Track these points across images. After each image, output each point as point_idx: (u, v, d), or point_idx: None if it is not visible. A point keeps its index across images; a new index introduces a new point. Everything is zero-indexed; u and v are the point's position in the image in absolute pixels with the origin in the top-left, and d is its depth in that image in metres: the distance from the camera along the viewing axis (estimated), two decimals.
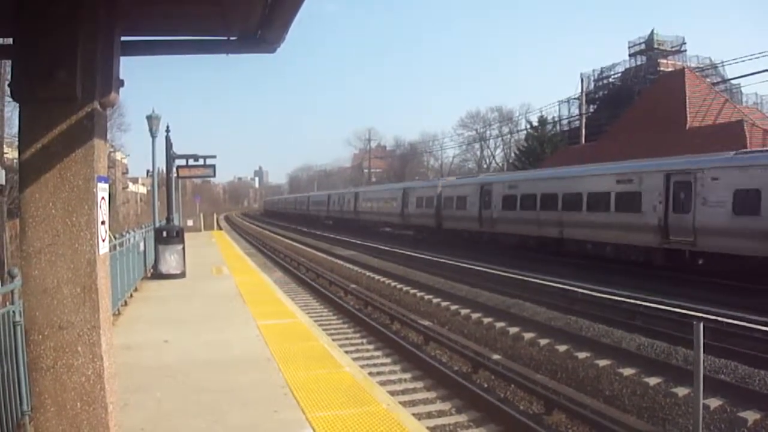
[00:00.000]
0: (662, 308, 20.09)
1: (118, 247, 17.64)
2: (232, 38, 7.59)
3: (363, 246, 49.92)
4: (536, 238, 38.57)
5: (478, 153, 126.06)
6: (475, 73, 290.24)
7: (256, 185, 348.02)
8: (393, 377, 14.42)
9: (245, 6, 6.56)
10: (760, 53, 61.13)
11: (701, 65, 69.02)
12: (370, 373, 13.61)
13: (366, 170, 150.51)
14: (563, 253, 35.79)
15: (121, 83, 6.49)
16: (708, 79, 61.20)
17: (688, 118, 50.85)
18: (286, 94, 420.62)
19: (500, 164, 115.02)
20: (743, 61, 58.11)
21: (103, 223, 6.02)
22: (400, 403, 10.06)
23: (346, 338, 18.55)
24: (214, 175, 29.33)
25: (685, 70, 57.95)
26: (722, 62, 68.78)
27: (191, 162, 27.50)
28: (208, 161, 27.45)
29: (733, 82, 65.53)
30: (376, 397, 9.13)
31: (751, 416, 11.60)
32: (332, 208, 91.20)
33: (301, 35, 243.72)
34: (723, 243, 25.17)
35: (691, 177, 27.07)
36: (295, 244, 56.68)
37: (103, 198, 6.02)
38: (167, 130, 26.65)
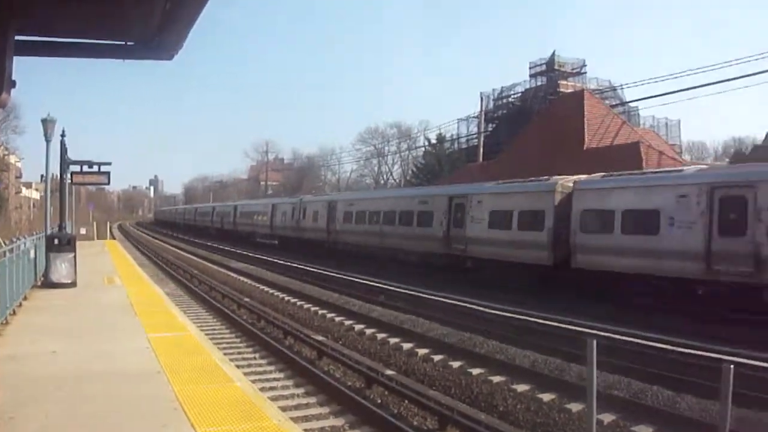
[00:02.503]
0: (556, 325, 20.38)
1: (7, 254, 17.16)
2: (129, 43, 7.44)
3: (257, 259, 49.91)
4: (364, 246, 47.00)
5: (376, 168, 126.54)
6: (376, 89, 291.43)
7: (152, 194, 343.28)
8: (285, 392, 14.24)
9: (144, 10, 6.40)
10: (657, 78, 62.66)
11: (600, 87, 70.51)
12: (263, 388, 13.45)
13: (263, 183, 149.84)
14: (383, 259, 43.15)
15: (13, 84, 6.25)
16: (607, 101, 62.52)
17: (586, 139, 51.78)
18: (183, 102, 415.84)
19: (398, 180, 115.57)
20: (641, 84, 59.68)
21: None
22: (292, 418, 9.94)
23: (239, 352, 18.29)
24: (109, 183, 28.80)
25: (584, 91, 59.09)
26: (621, 85, 70.57)
27: (86, 168, 26.95)
28: (103, 168, 26.94)
29: (631, 104, 67.10)
30: (266, 412, 9.00)
31: (643, 430, 11.91)
32: (215, 220, 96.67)
33: (201, 43, 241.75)
34: (482, 249, 33.42)
35: (465, 200, 35.35)
36: (188, 255, 56.24)
37: None
38: (62, 135, 26.10)
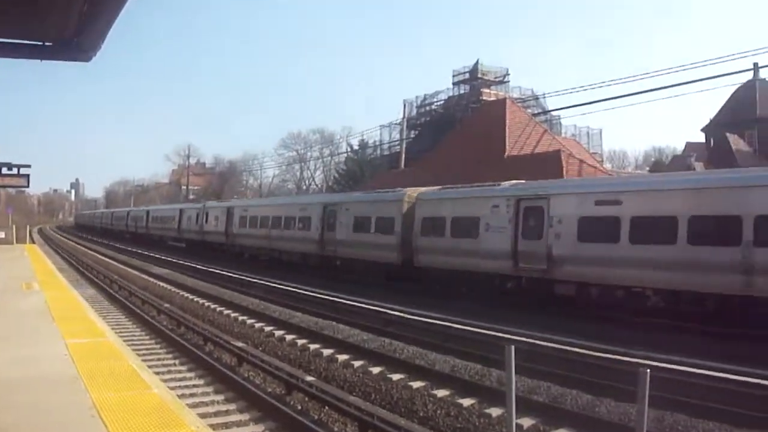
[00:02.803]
0: (476, 331, 20.54)
1: None
2: (47, 44, 7.34)
3: (178, 264, 49.78)
4: (257, 248, 52.60)
5: (298, 174, 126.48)
6: (300, 94, 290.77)
7: (73, 198, 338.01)
8: (205, 399, 14.12)
9: (61, 11, 6.32)
10: (579, 87, 63.38)
11: (523, 96, 71.34)
12: (182, 395, 13.35)
13: (184, 187, 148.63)
14: (272, 260, 49.27)
15: None
16: (529, 110, 63.27)
17: (507, 147, 52.40)
18: (105, 105, 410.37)
19: (320, 186, 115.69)
20: (564, 94, 60.49)
21: None
22: (211, 425, 9.88)
23: (158, 359, 18.08)
24: (28, 185, 28.33)
25: (507, 100, 59.87)
26: (544, 94, 71.37)
27: (4, 171, 26.46)
28: (23, 170, 26.47)
29: (553, 113, 68.05)
30: (185, 419, 8.90)
31: None
32: (130, 224, 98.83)
33: (121, 45, 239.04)
34: (349, 250, 38.67)
35: (336, 208, 40.73)
36: (108, 260, 55.53)
37: None
38: None
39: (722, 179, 22.73)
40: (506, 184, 30.27)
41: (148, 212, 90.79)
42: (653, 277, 22.33)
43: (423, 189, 34.92)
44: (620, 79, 56.55)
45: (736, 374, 14.95)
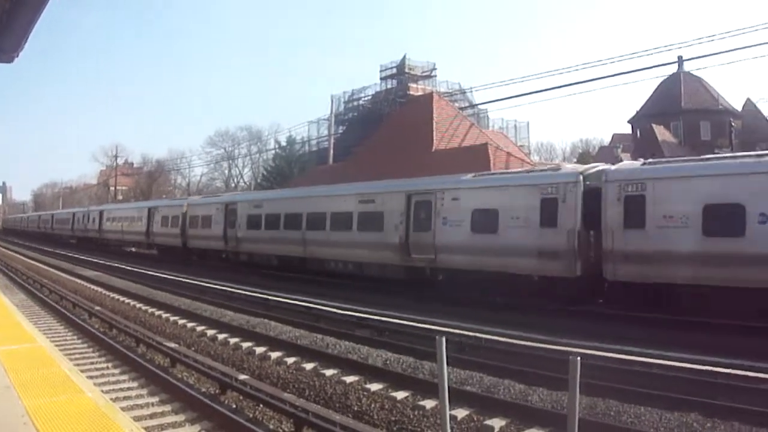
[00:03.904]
0: (407, 324, 20.77)
1: None
2: None
3: (106, 266, 49.35)
4: (173, 246, 57.55)
5: (227, 172, 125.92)
6: (226, 91, 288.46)
7: (0, 202, 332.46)
8: (140, 401, 14.12)
9: None
10: (506, 81, 64.03)
11: (450, 90, 71.69)
12: (116, 398, 13.37)
13: (112, 188, 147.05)
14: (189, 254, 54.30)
15: None
16: (456, 104, 63.70)
17: (435, 140, 52.65)
18: (28, 106, 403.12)
19: (248, 183, 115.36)
20: (490, 87, 61.39)
21: None
22: (145, 428, 9.98)
23: (91, 363, 17.97)
24: None
25: (433, 94, 60.14)
26: (471, 88, 71.85)
27: None
28: None
29: (480, 107, 68.53)
30: (119, 422, 8.94)
31: (497, 423, 12.33)
32: (77, 227, 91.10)
33: (42, 44, 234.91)
34: (247, 246, 44.50)
35: (236, 206, 46.88)
36: (37, 264, 54.67)
37: None
38: None
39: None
40: (398, 181, 34.31)
41: (101, 213, 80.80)
42: None
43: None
44: (546, 72, 57.34)
45: (665, 359, 15.40)
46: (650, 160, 26.21)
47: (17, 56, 7.48)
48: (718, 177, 21.81)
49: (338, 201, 36.30)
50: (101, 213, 79.31)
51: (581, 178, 24.95)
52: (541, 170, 29.21)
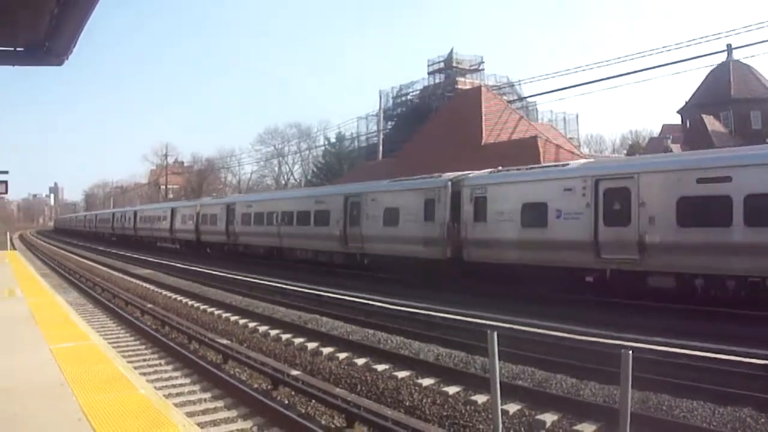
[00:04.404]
0: (458, 319, 20.65)
1: None
2: (18, 49, 7.34)
3: (158, 264, 49.98)
4: (184, 240, 68.58)
5: (277, 169, 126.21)
6: (276, 89, 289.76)
7: (52, 202, 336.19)
8: (192, 398, 14.14)
9: (31, 15, 6.33)
10: (554, 74, 63.48)
11: (499, 84, 71.33)
12: (169, 395, 13.39)
13: (163, 186, 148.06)
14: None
15: None
16: (505, 97, 63.30)
17: (484, 134, 52.38)
18: (80, 107, 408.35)
19: (298, 180, 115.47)
20: (539, 80, 60.86)
21: None
22: (198, 424, 9.94)
23: (144, 360, 18.07)
24: (6, 192, 28.18)
25: (482, 87, 59.81)
26: (519, 81, 71.44)
27: None
28: (0, 177, 26.34)
29: (529, 100, 68.12)
30: (172, 418, 8.92)
31: (549, 418, 12.16)
32: (116, 225, 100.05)
33: (94, 47, 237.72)
34: (243, 239, 54.39)
35: (235, 206, 55.74)
36: (90, 263, 55.36)
37: None
38: None
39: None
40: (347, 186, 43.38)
41: (135, 213, 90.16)
42: None
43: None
44: (595, 63, 56.73)
45: (718, 353, 15.16)
46: (499, 168, 31.97)
47: (67, 59, 7.48)
48: (531, 183, 28.25)
49: (301, 202, 45.92)
50: (135, 213, 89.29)
51: (450, 183, 31.92)
52: (427, 178, 35.04)
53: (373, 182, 40.55)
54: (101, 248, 77.78)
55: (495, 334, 9.47)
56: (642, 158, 28.53)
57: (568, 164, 28.70)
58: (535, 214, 27.07)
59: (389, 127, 77.84)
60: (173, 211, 71.55)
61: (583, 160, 30.73)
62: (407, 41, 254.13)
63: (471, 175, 31.54)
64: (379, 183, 38.67)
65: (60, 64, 7.54)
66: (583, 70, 60.59)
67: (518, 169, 30.38)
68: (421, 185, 34.11)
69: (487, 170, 31.99)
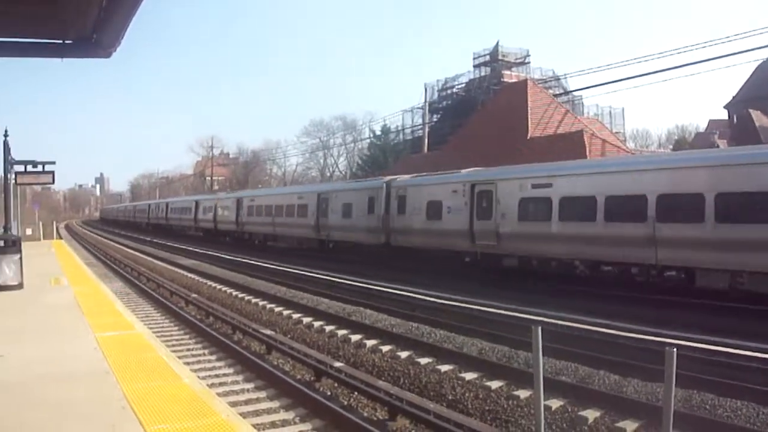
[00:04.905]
0: (501, 313, 20.54)
1: None
2: (67, 42, 7.36)
3: (204, 255, 50.28)
4: (205, 229, 77.24)
5: (322, 161, 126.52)
6: (321, 81, 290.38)
7: (98, 193, 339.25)
8: (235, 387, 14.22)
9: (80, 8, 6.35)
10: (600, 67, 63.15)
11: (544, 77, 70.89)
12: (212, 384, 13.47)
13: (208, 178, 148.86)
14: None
15: None
16: (551, 91, 62.86)
17: (530, 128, 52.14)
18: (126, 99, 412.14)
19: (343, 172, 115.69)
20: (585, 74, 59.92)
21: None
22: (241, 413, 9.96)
23: (187, 349, 18.22)
24: (54, 182, 28.40)
25: (528, 81, 59.52)
26: (565, 75, 70.94)
27: (30, 168, 26.55)
28: (48, 167, 26.55)
29: (574, 93, 67.56)
30: (215, 408, 8.97)
31: (591, 414, 12.04)
32: (151, 216, 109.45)
33: (141, 39, 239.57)
34: (251, 227, 62.36)
35: (242, 200, 64.18)
36: (135, 253, 55.96)
37: None
38: (5, 135, 25.64)
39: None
40: (318, 185, 51.53)
41: (167, 204, 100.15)
42: None
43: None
44: (642, 57, 56.11)
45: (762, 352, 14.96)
46: (423, 173, 40.62)
47: (115, 51, 7.50)
48: (433, 185, 36.19)
49: (289, 198, 55.10)
50: (167, 204, 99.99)
51: (384, 185, 39.90)
52: (371, 180, 48.50)
53: (338, 182, 61.14)
54: (146, 238, 78.76)
55: (539, 328, 9.43)
56: (501, 168, 34.29)
57: (458, 172, 35.93)
58: (434, 209, 34.81)
59: (434, 120, 77.62)
60: (197, 204, 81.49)
61: (469, 170, 36.09)
62: (453, 33, 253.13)
63: (397, 179, 40.50)
64: (342, 183, 55.41)
65: (108, 56, 7.57)
66: (631, 63, 59.84)
67: (426, 175, 39.24)
68: (366, 186, 43.59)
69: (408, 175, 41.21)
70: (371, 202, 40.68)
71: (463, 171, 35.81)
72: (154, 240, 74.35)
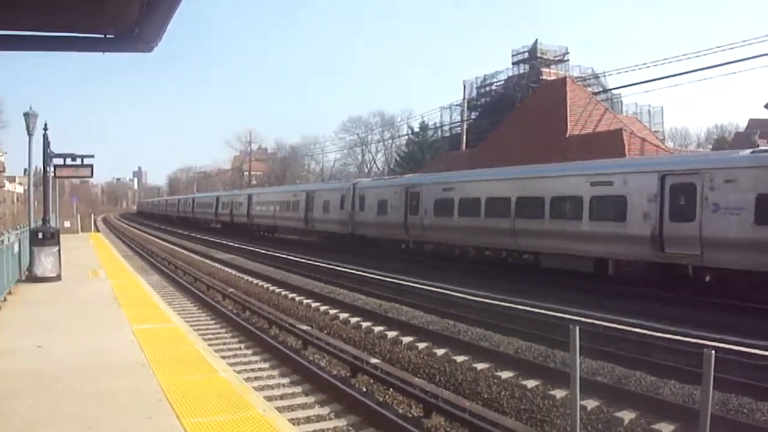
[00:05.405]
0: (539, 312, 20.43)
1: None
2: (109, 36, 7.39)
3: (239, 249, 50.47)
4: (230, 223, 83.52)
5: (360, 157, 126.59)
6: (359, 77, 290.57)
7: (135, 186, 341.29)
8: (271, 382, 14.27)
9: (123, 2, 6.37)
10: (639, 65, 62.87)
11: (583, 75, 70.43)
12: (248, 379, 13.47)
13: (246, 173, 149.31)
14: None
15: None
16: (589, 89, 62.42)
17: (569, 126, 51.79)
18: (165, 93, 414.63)
19: (381, 169, 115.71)
20: (624, 72, 59.39)
21: None
22: (277, 408, 9.98)
23: (224, 343, 18.29)
24: (92, 176, 28.51)
25: (567, 78, 59.07)
26: (604, 72, 70.41)
27: (69, 161, 26.69)
28: (86, 161, 26.67)
29: (614, 92, 67.07)
30: (251, 402, 9.00)
31: (627, 416, 11.92)
32: (180, 209, 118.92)
33: (181, 34, 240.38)
34: (259, 221, 72.09)
35: (250, 197, 75.84)
36: (172, 246, 56.40)
37: None
38: (45, 128, 25.81)
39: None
40: (309, 185, 64.40)
41: (194, 199, 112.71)
42: None
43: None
44: (683, 55, 55.50)
45: None
46: (377, 178, 56.27)
47: (156, 46, 7.51)
48: (381, 188, 45.79)
49: (285, 195, 65.38)
50: (193, 200, 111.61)
51: (352, 186, 49.86)
52: (343, 182, 60.01)
53: (321, 183, 77.57)
54: (182, 232, 79.18)
55: (577, 328, 9.35)
56: (425, 175, 46.78)
57: (400, 177, 48.89)
58: (382, 207, 43.87)
59: (473, 117, 77.35)
60: (217, 199, 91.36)
61: (407, 176, 49.56)
62: (492, 31, 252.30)
63: (360, 182, 52.28)
64: (323, 184, 73.04)
65: (149, 50, 7.59)
66: (670, 62, 59.18)
67: (378, 179, 53.82)
68: (339, 187, 53.98)
69: (369, 179, 56.13)
70: (342, 201, 50.37)
71: (403, 177, 50.47)
72: (191, 234, 74.94)
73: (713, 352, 7.54)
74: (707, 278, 23.15)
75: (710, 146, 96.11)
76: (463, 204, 35.27)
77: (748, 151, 24.07)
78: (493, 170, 37.60)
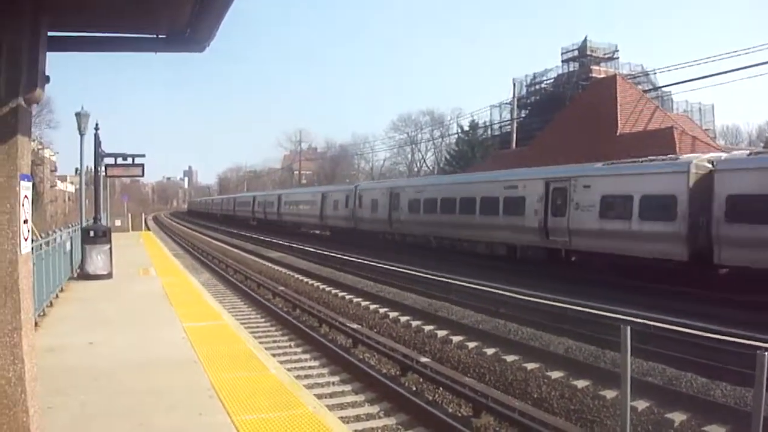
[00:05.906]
0: (590, 312, 20.27)
1: (44, 247, 17.28)
2: (161, 36, 7.43)
3: (290, 248, 50.49)
4: (264, 220, 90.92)
5: (409, 156, 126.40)
6: (409, 76, 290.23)
7: (186, 185, 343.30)
8: (321, 380, 14.32)
9: (175, 3, 6.41)
10: (691, 62, 62.14)
11: (633, 72, 69.68)
12: (298, 377, 13.55)
13: (296, 172, 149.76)
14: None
15: (47, 79, 6.26)
16: (640, 86, 61.82)
17: (619, 124, 51.31)
18: (216, 93, 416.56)
19: (431, 168, 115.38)
20: (675, 69, 58.76)
21: (25, 221, 5.82)
22: (327, 406, 10.02)
23: (274, 341, 18.41)
24: (143, 175, 28.76)
25: (617, 76, 58.41)
26: (654, 70, 69.62)
27: (120, 161, 26.96)
28: (137, 160, 26.94)
29: (664, 89, 66.31)
30: (302, 400, 9.05)
31: (678, 417, 11.83)
32: (222, 208, 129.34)
33: (233, 34, 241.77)
34: (287, 218, 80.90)
35: (279, 197, 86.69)
36: (221, 245, 56.78)
37: (26, 196, 5.82)
38: (96, 128, 26.09)
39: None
40: (320, 188, 77.74)
41: (234, 199, 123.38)
42: None
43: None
44: (734, 51, 54.77)
45: None
46: (372, 181, 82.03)
47: (208, 45, 7.54)
48: (374, 189, 54.46)
49: (305, 195, 74.96)
50: (234, 199, 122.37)
51: (355, 188, 58.07)
52: (347, 184, 70.31)
53: (332, 185, 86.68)
54: (233, 230, 79.48)
55: (628, 328, 9.28)
56: (404, 180, 67.07)
57: (386, 181, 59.81)
58: (374, 206, 52.30)
59: (523, 115, 76.94)
60: (254, 199, 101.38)
61: (391, 179, 66.38)
62: (542, 28, 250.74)
63: (360, 184, 61.95)
64: (334, 186, 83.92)
65: (202, 50, 7.62)
66: (721, 58, 58.38)
67: (372, 182, 67.71)
68: (345, 189, 63.16)
69: (368, 181, 77.54)
70: (347, 200, 58.60)
71: (388, 180, 64.93)
72: (238, 232, 75.38)
73: (766, 354, 7.45)
74: (573, 258, 31.97)
75: (762, 144, 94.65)
76: (426, 203, 44.85)
77: (601, 163, 30.99)
78: (446, 176, 55.81)
